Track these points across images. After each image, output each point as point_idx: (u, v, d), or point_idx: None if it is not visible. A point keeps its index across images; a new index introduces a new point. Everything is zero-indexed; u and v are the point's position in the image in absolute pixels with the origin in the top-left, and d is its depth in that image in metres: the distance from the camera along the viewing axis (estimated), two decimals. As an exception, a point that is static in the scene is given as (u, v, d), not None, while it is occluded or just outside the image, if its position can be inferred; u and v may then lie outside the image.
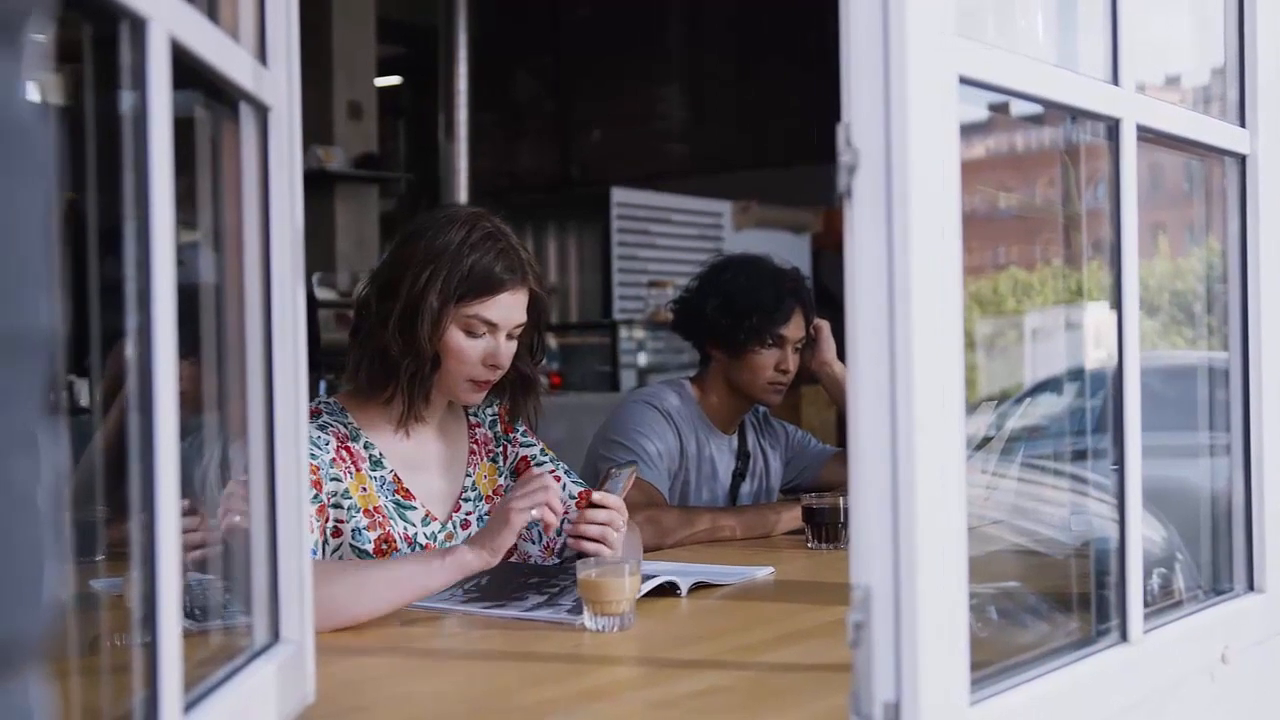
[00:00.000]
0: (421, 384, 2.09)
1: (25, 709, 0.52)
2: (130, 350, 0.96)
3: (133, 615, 1.14)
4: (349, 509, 2.04)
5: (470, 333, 2.08)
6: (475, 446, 2.26)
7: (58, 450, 0.53)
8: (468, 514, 2.20)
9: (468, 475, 2.23)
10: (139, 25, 0.94)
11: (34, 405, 0.52)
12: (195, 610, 1.28)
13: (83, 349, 0.98)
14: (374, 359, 2.09)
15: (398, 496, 2.11)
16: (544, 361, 2.33)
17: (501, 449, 2.29)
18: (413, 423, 2.14)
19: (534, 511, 1.86)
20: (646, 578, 1.93)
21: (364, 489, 2.07)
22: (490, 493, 2.25)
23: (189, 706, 1.03)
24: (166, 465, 0.96)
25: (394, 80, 9.29)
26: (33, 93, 0.54)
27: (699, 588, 2.07)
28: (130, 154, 0.95)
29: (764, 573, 2.24)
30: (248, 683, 1.19)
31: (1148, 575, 1.52)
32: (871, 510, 1.10)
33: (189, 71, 1.05)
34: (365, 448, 2.11)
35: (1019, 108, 1.49)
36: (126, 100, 0.96)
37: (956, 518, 1.14)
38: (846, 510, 2.53)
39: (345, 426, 2.11)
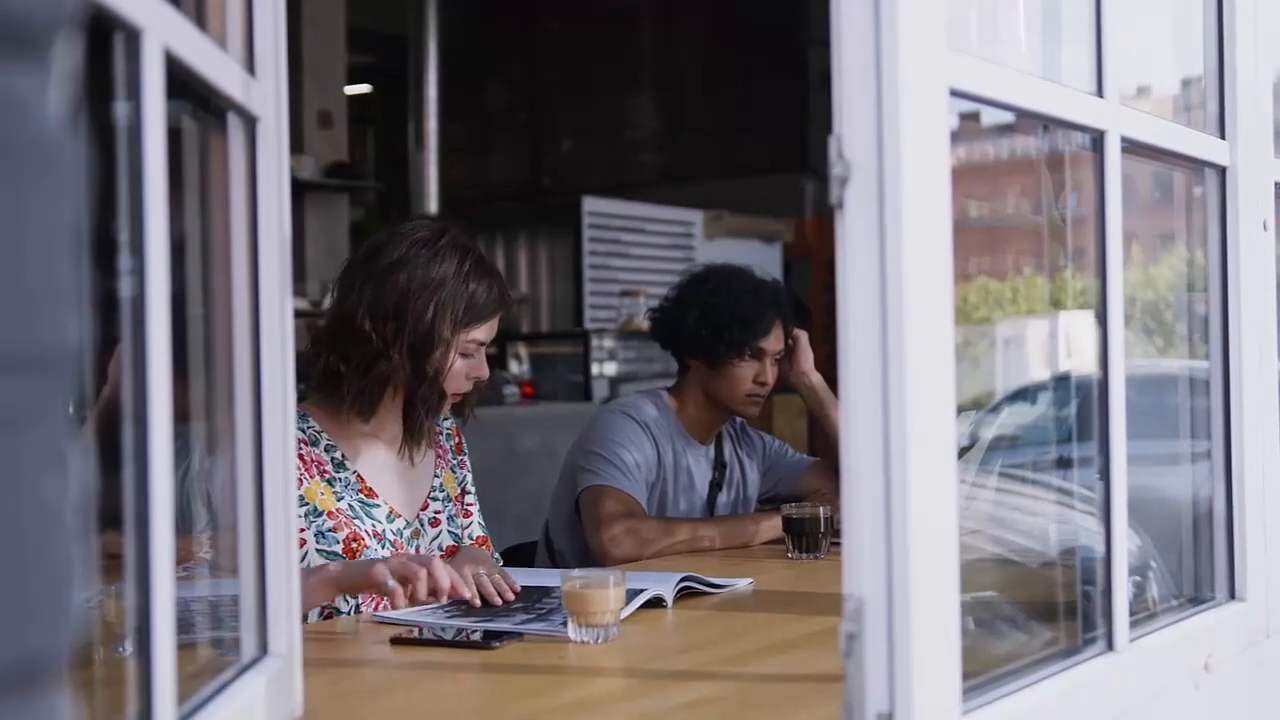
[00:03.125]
0: (434, 411, 2.19)
1: None
2: (124, 359, 0.95)
3: (114, 629, 1.12)
4: (306, 515, 2.08)
5: (465, 355, 2.19)
6: (441, 450, 2.35)
7: (83, 466, 0.53)
8: (436, 512, 2.29)
9: (436, 476, 2.31)
10: (133, 36, 0.94)
11: (63, 421, 0.52)
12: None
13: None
14: (375, 384, 2.14)
15: (361, 495, 2.17)
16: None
17: (459, 461, 2.40)
18: (414, 445, 2.22)
19: (390, 582, 1.82)
20: (632, 591, 1.93)
21: (323, 492, 2.12)
22: (454, 496, 2.34)
23: (181, 722, 1.02)
24: (160, 478, 0.95)
25: (364, 88, 9.26)
26: (58, 107, 0.54)
27: (684, 595, 2.07)
28: (125, 164, 0.95)
29: (743, 584, 2.24)
30: (237, 697, 1.18)
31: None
32: (864, 522, 1.10)
33: (178, 81, 1.05)
34: (327, 450, 2.16)
35: (990, 117, 1.50)
36: (120, 110, 0.95)
37: (949, 528, 1.15)
38: (827, 520, 2.55)
39: (303, 431, 2.15)
